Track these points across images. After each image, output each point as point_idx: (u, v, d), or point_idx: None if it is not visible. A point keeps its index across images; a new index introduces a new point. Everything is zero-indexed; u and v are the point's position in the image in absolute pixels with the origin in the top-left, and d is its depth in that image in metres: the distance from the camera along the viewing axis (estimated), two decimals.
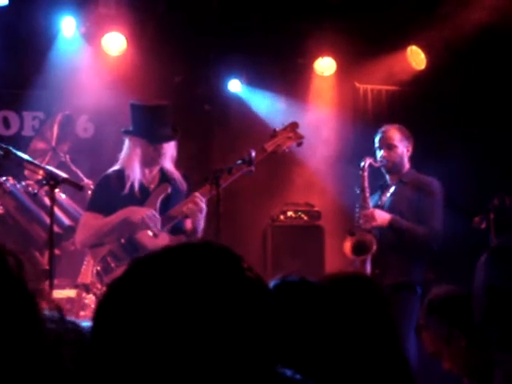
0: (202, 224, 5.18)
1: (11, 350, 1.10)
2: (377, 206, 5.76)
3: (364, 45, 7.25)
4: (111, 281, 1.35)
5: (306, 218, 6.68)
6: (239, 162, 5.12)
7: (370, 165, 5.73)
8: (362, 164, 5.72)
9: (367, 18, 7.27)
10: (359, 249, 5.54)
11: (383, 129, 5.83)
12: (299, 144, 5.50)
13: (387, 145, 5.74)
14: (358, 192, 5.74)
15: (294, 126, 5.49)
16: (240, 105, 7.51)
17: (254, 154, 5.07)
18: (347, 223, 6.60)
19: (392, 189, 5.80)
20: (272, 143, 5.37)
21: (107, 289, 1.34)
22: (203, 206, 5.10)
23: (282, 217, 6.69)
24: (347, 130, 7.44)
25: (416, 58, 7.42)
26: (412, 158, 5.86)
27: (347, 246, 5.58)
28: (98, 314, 1.32)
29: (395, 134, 5.77)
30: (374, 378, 2.21)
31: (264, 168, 5.64)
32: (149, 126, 5.18)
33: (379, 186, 5.90)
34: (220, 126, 7.52)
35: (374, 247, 5.51)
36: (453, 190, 6.08)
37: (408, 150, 5.79)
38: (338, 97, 7.61)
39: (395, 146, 5.73)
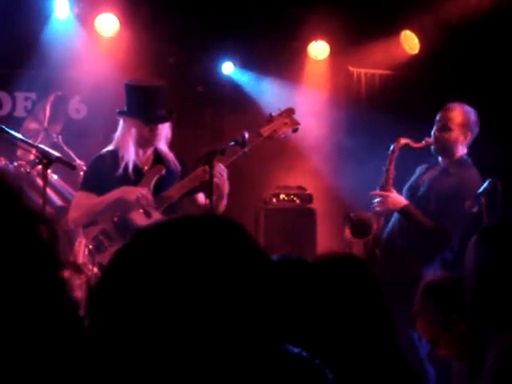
0: (224, 201, 5.10)
1: (36, 316, 1.10)
2: (414, 183, 5.63)
3: (358, 29, 7.24)
4: (116, 250, 1.35)
5: (298, 201, 6.69)
6: (232, 143, 5.12)
7: (407, 145, 5.55)
8: (393, 146, 5.58)
9: (361, 1, 7.26)
10: (359, 229, 5.50)
11: (450, 105, 5.55)
12: (295, 130, 5.48)
13: (442, 126, 5.48)
14: (384, 170, 5.58)
15: (290, 111, 5.47)
16: (233, 87, 7.50)
17: (247, 135, 5.06)
18: (339, 206, 6.63)
19: (438, 172, 5.57)
20: (268, 128, 5.35)
21: (112, 258, 1.34)
22: (223, 177, 5.04)
23: (274, 200, 6.69)
24: (340, 113, 7.44)
25: (409, 42, 7.42)
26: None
27: (347, 230, 5.52)
28: (102, 284, 1.32)
29: (456, 117, 5.49)
30: (365, 354, 2.22)
31: (257, 151, 5.63)
32: (144, 106, 5.16)
33: (429, 165, 5.68)
34: (213, 108, 7.51)
35: (375, 226, 5.46)
36: None
37: (465, 138, 5.48)
38: (332, 80, 7.61)
39: (450, 129, 5.46)
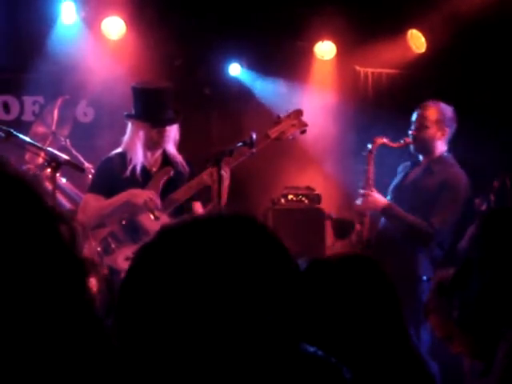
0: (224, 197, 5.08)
1: (58, 315, 1.10)
2: (399, 182, 5.68)
3: (364, 28, 7.24)
4: (139, 247, 1.35)
5: (306, 201, 6.68)
6: (240, 143, 5.11)
7: (384, 144, 5.62)
8: (370, 146, 5.65)
9: (367, 1, 7.26)
10: (340, 230, 5.54)
11: (425, 104, 5.64)
12: (303, 132, 5.48)
13: (419, 125, 5.56)
14: (363, 174, 5.67)
15: (298, 113, 5.46)
16: (240, 88, 7.50)
17: (255, 136, 5.06)
18: (348, 206, 6.62)
19: (421, 170, 5.63)
20: (276, 130, 5.35)
21: (135, 255, 1.34)
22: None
23: (282, 200, 6.68)
24: (348, 113, 7.43)
25: (416, 41, 7.41)
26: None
27: (329, 231, 5.60)
28: (127, 281, 1.32)
29: (431, 115, 5.57)
30: (379, 354, 2.22)
31: (265, 152, 5.63)
32: (151, 109, 5.17)
33: (411, 164, 5.74)
34: (220, 109, 7.51)
35: (357, 227, 5.49)
36: None
37: (443, 134, 5.56)
38: (339, 80, 7.60)
39: (427, 127, 5.54)
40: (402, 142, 5.62)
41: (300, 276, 1.36)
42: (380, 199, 5.56)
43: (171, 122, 5.22)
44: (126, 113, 5.31)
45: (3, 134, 4.84)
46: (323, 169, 7.26)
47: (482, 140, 7.05)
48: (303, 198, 6.68)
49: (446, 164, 5.61)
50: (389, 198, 5.65)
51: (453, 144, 6.56)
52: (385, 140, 5.65)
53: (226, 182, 5.01)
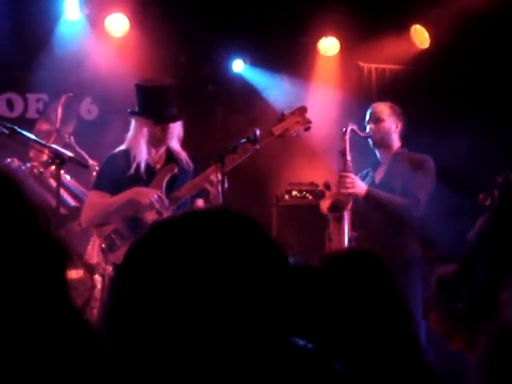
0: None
1: (35, 300, 1.11)
2: (370, 184, 5.74)
3: (367, 24, 7.22)
4: (132, 244, 1.36)
5: (310, 197, 6.67)
6: (244, 140, 5.12)
7: (353, 131, 5.72)
8: (344, 129, 5.72)
9: None
10: (334, 207, 5.56)
11: (373, 105, 5.87)
12: (307, 129, 5.48)
13: (375, 119, 5.74)
14: (340, 156, 5.73)
15: (302, 110, 5.47)
16: (244, 85, 7.50)
17: (258, 132, 5.06)
18: (352, 202, 6.62)
19: (385, 166, 5.79)
20: (280, 127, 5.35)
21: (128, 251, 1.35)
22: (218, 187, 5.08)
23: (286, 196, 6.67)
24: (351, 109, 7.42)
25: (420, 36, 7.40)
26: (409, 136, 5.82)
27: (324, 204, 5.61)
28: (118, 277, 1.33)
29: (384, 110, 5.77)
30: (383, 351, 2.22)
31: (269, 148, 5.63)
32: (155, 106, 5.17)
33: (372, 165, 5.89)
34: (224, 106, 7.51)
35: (349, 205, 5.50)
36: (456, 168, 6.07)
37: (397, 127, 5.75)
38: (342, 76, 7.60)
39: (383, 120, 5.72)
40: (367, 131, 5.75)
41: (292, 270, 1.36)
42: (362, 185, 5.61)
43: (174, 119, 5.22)
44: (129, 110, 5.32)
45: (7, 131, 4.86)
46: (327, 164, 7.25)
47: (487, 135, 7.05)
48: (307, 194, 6.67)
49: (407, 153, 5.77)
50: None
51: (457, 139, 6.57)
52: (354, 127, 5.74)
53: (219, 187, 5.04)
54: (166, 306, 1.25)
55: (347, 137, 5.71)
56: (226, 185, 5.01)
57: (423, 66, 7.43)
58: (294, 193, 6.61)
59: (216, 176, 4.99)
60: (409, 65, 7.54)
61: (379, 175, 5.81)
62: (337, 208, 5.56)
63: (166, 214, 5.07)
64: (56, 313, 1.12)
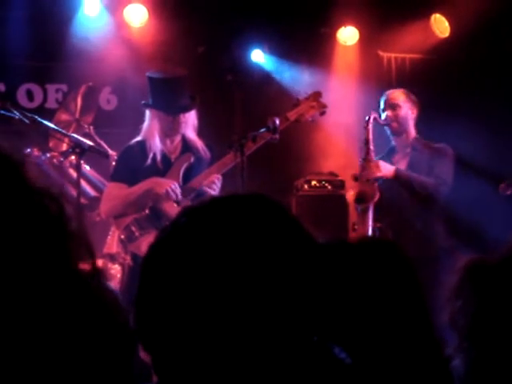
0: None
1: (44, 285, 1.11)
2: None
3: (387, 13, 7.18)
4: (161, 228, 1.35)
5: (329, 187, 6.66)
6: (263, 130, 5.11)
7: (375, 120, 5.67)
8: (367, 118, 5.66)
9: None
10: (361, 199, 5.53)
11: (387, 92, 5.82)
12: (322, 113, 5.48)
13: (391, 105, 5.69)
14: (363, 145, 5.68)
15: (316, 95, 5.47)
16: (263, 75, 7.48)
17: (278, 121, 5.06)
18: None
19: (405, 155, 5.73)
20: (294, 112, 5.35)
21: (157, 236, 1.33)
22: (216, 189, 5.10)
23: (305, 186, 6.67)
24: (371, 99, 7.38)
25: (440, 25, 7.35)
26: (419, 125, 5.77)
27: (350, 194, 5.59)
28: (147, 264, 1.31)
29: (399, 96, 5.73)
30: (400, 342, 2.20)
31: (288, 137, 5.62)
32: (165, 97, 5.18)
33: (386, 152, 5.83)
34: (242, 95, 7.50)
35: (376, 196, 5.45)
36: (476, 157, 6.03)
37: (413, 113, 5.71)
38: (362, 66, 7.56)
39: (399, 106, 5.68)
40: (385, 121, 5.71)
41: (323, 258, 1.35)
42: (389, 166, 5.56)
43: (185, 110, 5.22)
44: (143, 101, 5.33)
45: (28, 121, 4.87)
46: (346, 154, 7.23)
47: (506, 124, 7.00)
48: (326, 184, 6.66)
49: (424, 141, 5.73)
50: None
51: (477, 128, 6.54)
52: (376, 115, 5.70)
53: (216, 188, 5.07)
54: (200, 289, 1.23)
55: (370, 126, 5.66)
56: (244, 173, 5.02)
57: (443, 56, 7.38)
58: (314, 182, 6.60)
59: (241, 158, 5.00)
60: (429, 54, 7.50)
61: (402, 164, 5.73)
62: (363, 199, 5.53)
63: (183, 204, 5.08)
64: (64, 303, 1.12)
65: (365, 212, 5.47)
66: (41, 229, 1.12)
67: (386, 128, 5.75)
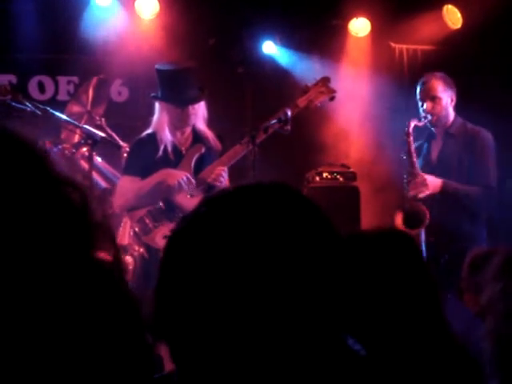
0: None
1: (65, 272, 1.11)
2: (426, 161, 5.58)
3: (399, 4, 7.17)
4: (178, 218, 1.34)
5: (341, 179, 6.64)
6: (274, 121, 5.11)
7: (415, 127, 5.49)
8: (406, 129, 5.48)
9: None
10: (411, 221, 5.28)
11: (424, 79, 5.58)
12: (332, 98, 5.47)
13: (430, 97, 5.50)
14: (405, 158, 5.49)
15: (325, 80, 5.46)
16: (274, 66, 7.47)
17: (289, 113, 5.05)
18: (383, 184, 6.59)
19: (440, 142, 5.59)
20: (304, 99, 5.35)
21: (177, 225, 1.32)
22: (224, 181, 5.09)
23: (317, 178, 6.65)
24: (383, 90, 7.37)
25: (452, 16, 7.32)
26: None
27: (398, 219, 5.33)
28: (167, 253, 1.30)
29: (438, 85, 5.52)
30: (411, 332, 2.20)
31: (299, 129, 5.61)
32: (173, 89, 5.19)
33: (426, 137, 5.68)
34: (254, 88, 7.49)
35: (427, 219, 5.24)
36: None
37: (452, 100, 5.55)
38: (373, 57, 7.54)
39: (439, 98, 5.50)
40: (425, 120, 5.52)
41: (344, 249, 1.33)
42: (435, 181, 5.35)
43: (193, 101, 5.22)
44: (152, 94, 5.34)
45: (40, 112, 4.88)
46: (358, 146, 7.22)
47: None
48: (338, 176, 6.64)
49: (461, 123, 5.59)
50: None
51: (489, 120, 6.50)
52: (415, 122, 5.52)
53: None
54: (221, 278, 1.22)
55: (411, 138, 5.48)
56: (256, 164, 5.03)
57: (455, 47, 7.35)
58: (325, 174, 6.58)
59: (253, 149, 5.00)
60: (440, 45, 7.47)
61: (435, 151, 5.62)
62: (413, 223, 5.28)
63: (196, 196, 5.09)
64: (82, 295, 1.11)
65: (416, 237, 5.13)
66: (65, 218, 1.12)
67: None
